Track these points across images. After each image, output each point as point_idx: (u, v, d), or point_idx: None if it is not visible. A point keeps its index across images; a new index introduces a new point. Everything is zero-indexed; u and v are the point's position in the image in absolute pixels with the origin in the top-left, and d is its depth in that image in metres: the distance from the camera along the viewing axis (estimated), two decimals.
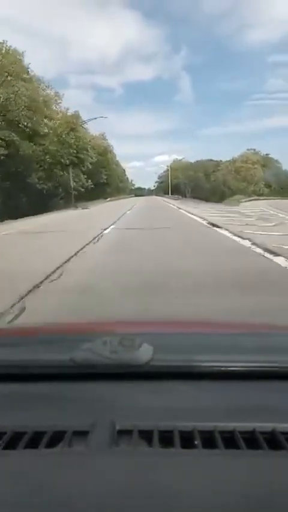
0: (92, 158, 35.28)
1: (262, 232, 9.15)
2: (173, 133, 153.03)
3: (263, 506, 0.44)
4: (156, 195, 77.79)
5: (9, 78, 22.63)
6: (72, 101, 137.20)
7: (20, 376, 0.75)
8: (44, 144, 27.72)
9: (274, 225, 11.66)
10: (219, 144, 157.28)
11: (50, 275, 4.73)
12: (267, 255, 6.02)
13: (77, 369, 0.72)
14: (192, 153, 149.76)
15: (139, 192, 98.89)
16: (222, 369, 0.75)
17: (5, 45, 23.81)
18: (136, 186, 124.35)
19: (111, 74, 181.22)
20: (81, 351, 0.74)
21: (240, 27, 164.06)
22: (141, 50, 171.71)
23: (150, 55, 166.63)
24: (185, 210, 20.28)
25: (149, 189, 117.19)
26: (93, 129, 42.47)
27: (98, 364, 0.72)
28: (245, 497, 0.45)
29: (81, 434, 0.57)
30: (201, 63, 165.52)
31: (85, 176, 34.37)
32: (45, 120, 27.46)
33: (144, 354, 0.72)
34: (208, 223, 12.24)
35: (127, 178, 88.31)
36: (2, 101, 22.36)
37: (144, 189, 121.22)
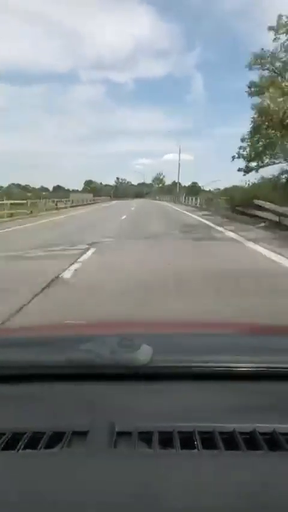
0: None
1: None
2: (184, 131, 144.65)
3: (264, 507, 0.44)
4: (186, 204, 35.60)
5: None
6: (84, 95, 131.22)
7: (20, 377, 0.75)
8: None
9: None
10: (229, 144, 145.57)
11: None
12: None
13: (76, 370, 0.73)
14: (202, 152, 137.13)
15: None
16: (222, 369, 0.75)
17: None
18: (140, 182, 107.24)
19: (123, 70, 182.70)
20: (80, 352, 0.73)
21: (255, 26, 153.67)
22: (155, 46, 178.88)
23: (163, 52, 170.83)
24: None
25: (157, 187, 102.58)
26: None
27: (97, 365, 0.71)
28: (246, 498, 0.45)
29: (81, 435, 0.57)
30: (214, 62, 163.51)
31: None
32: None
33: (143, 354, 0.71)
34: None
35: None
36: None
37: (152, 185, 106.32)
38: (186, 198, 38.96)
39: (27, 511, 0.44)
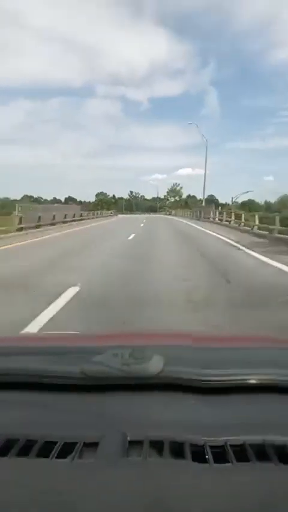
0: None
1: None
2: (197, 147, 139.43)
3: None
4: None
5: None
6: (100, 111, 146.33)
7: (32, 386, 0.76)
8: None
9: None
10: (242, 160, 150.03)
11: None
12: None
13: (88, 381, 0.73)
14: (215, 167, 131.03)
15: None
16: (233, 382, 0.75)
17: None
18: (154, 196, 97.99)
19: (138, 87, 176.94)
20: (92, 363, 0.74)
21: (266, 46, 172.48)
22: (170, 65, 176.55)
23: (178, 70, 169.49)
24: None
25: (174, 201, 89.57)
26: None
27: (109, 376, 0.72)
28: (256, 511, 0.45)
29: (92, 445, 0.57)
30: (228, 80, 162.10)
31: None
32: None
33: (154, 365, 0.72)
34: None
35: None
36: None
37: (167, 199, 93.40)
38: (219, 213, 25.91)
39: None
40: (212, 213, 28.08)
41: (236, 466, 0.53)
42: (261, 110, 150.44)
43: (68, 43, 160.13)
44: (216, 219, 25.62)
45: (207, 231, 17.18)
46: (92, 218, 33.05)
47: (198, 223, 25.71)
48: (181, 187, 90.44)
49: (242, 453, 0.55)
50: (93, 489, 0.47)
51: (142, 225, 24.56)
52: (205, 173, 36.10)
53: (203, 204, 37.29)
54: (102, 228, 21.54)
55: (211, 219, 26.93)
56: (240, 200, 50.28)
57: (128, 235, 14.49)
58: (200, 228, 20.08)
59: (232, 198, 46.55)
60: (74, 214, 26.29)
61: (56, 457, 0.55)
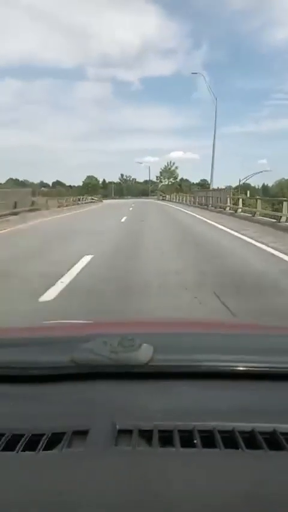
0: None
1: None
2: (189, 130, 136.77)
3: (262, 506, 0.44)
4: None
5: None
6: (90, 93, 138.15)
7: (20, 377, 0.75)
8: None
9: None
10: (236, 143, 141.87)
11: None
12: None
13: (77, 369, 0.72)
14: (208, 151, 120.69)
15: None
16: (222, 369, 0.75)
17: None
18: (146, 179, 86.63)
19: (130, 68, 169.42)
20: (81, 351, 0.73)
21: (260, 25, 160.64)
22: (162, 45, 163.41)
23: (170, 51, 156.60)
24: None
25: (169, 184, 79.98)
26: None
27: (98, 364, 0.71)
28: (245, 497, 0.45)
29: (81, 434, 0.57)
30: (222, 61, 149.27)
31: None
32: None
33: (144, 353, 0.72)
34: None
35: None
36: None
37: (161, 182, 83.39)
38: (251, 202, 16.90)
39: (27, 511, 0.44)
40: (228, 201, 19.01)
41: (224, 452, 0.52)
42: (256, 93, 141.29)
43: (56, 22, 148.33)
44: (239, 210, 16.59)
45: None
46: (58, 207, 23.67)
47: (215, 216, 16.53)
48: (176, 167, 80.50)
49: (231, 439, 0.55)
50: (82, 479, 0.47)
51: (124, 219, 15.49)
52: (213, 145, 26.64)
53: (211, 187, 27.91)
54: (40, 233, 12.27)
55: (228, 209, 17.95)
56: (249, 182, 42.11)
57: (76, 258, 5.42)
58: (240, 235, 10.91)
59: (240, 180, 37.80)
60: (16, 204, 16.61)
61: (45, 448, 0.53)
